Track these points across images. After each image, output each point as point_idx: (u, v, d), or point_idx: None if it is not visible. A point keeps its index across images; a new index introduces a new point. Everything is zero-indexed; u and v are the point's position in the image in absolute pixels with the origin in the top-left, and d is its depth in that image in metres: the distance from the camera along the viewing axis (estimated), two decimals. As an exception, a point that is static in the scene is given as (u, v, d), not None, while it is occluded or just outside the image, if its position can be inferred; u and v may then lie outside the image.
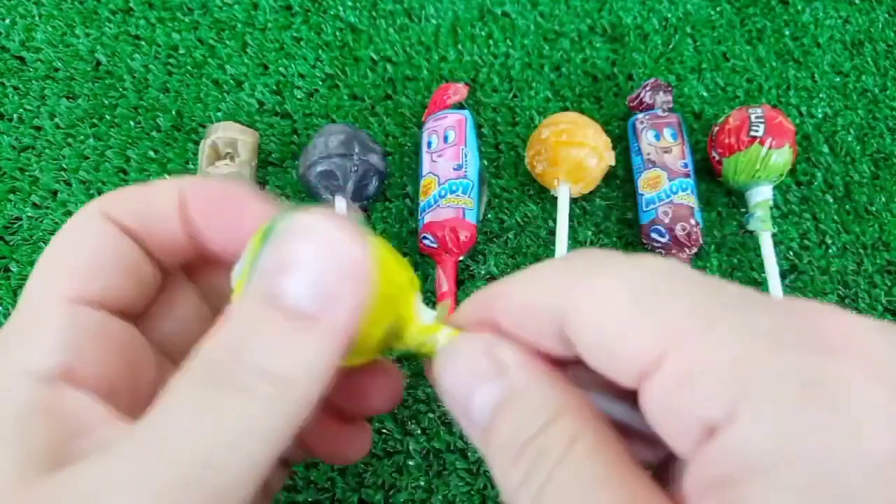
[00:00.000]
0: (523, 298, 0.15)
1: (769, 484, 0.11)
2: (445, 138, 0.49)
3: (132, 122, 0.52)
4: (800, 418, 0.11)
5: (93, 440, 0.14)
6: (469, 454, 0.41)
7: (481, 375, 0.15)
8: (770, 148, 0.47)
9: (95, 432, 0.15)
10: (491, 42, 0.57)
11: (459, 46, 0.57)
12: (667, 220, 0.46)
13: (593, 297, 0.14)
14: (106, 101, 0.53)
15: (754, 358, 0.12)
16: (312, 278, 0.14)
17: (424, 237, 0.47)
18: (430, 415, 0.42)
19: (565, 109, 0.54)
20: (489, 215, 0.50)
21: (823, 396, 0.11)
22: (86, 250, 0.17)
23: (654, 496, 0.13)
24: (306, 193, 0.50)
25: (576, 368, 0.16)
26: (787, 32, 0.60)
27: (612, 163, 0.48)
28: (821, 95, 0.57)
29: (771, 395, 0.12)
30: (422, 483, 0.40)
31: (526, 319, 0.15)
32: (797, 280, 0.48)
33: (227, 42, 0.56)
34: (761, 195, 0.48)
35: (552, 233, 0.49)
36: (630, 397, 0.15)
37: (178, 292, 0.20)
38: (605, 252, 0.15)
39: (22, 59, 0.54)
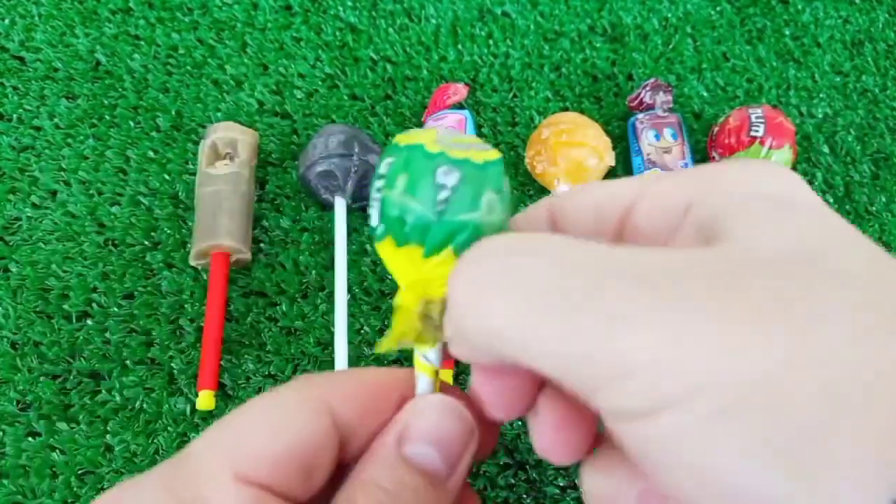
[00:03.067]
0: (598, 195, 0.17)
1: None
2: (445, 138, 0.49)
3: (132, 122, 0.52)
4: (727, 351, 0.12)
5: None
6: (469, 454, 0.41)
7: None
8: (770, 148, 0.47)
9: None
10: (491, 42, 0.57)
11: (459, 46, 0.57)
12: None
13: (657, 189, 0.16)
14: (106, 101, 0.53)
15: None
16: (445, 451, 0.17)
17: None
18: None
19: (565, 109, 0.54)
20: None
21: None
22: (290, 444, 0.16)
23: None
24: (306, 193, 0.50)
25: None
26: (787, 32, 0.59)
27: (612, 163, 0.48)
28: (821, 95, 0.57)
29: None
30: (422, 483, 0.40)
31: (591, 213, 0.17)
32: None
33: (227, 42, 0.56)
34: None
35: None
36: None
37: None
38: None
39: (22, 59, 0.54)
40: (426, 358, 0.18)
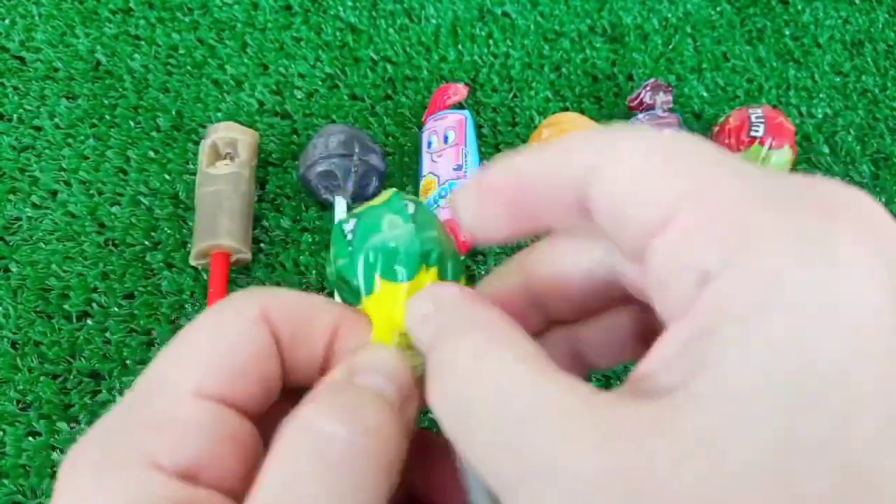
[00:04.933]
0: (547, 173, 0.16)
1: (735, 335, 0.11)
2: (445, 138, 0.49)
3: (132, 123, 0.52)
4: (787, 272, 0.11)
5: None
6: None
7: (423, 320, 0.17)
8: (770, 148, 0.47)
9: None
10: (491, 42, 0.57)
11: (459, 46, 0.57)
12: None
13: (614, 160, 0.14)
14: (106, 101, 0.53)
15: (756, 216, 0.12)
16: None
17: (424, 237, 0.47)
18: (430, 415, 0.42)
19: (565, 109, 0.54)
20: (489, 215, 0.50)
21: (811, 253, 0.11)
22: (236, 351, 0.16)
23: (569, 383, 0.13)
24: (306, 193, 0.50)
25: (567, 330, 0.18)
26: (787, 32, 0.60)
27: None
28: (821, 95, 0.57)
29: (763, 249, 0.12)
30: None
31: (549, 196, 0.16)
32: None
33: (227, 42, 0.56)
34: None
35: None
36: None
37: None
38: (632, 126, 0.15)
39: (22, 59, 0.54)
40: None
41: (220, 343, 0.16)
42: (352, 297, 0.18)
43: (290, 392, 0.18)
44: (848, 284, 0.11)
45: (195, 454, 0.15)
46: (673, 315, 0.13)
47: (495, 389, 0.13)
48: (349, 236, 0.18)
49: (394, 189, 0.19)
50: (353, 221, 0.18)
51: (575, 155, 0.15)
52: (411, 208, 0.18)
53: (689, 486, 0.10)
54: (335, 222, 0.20)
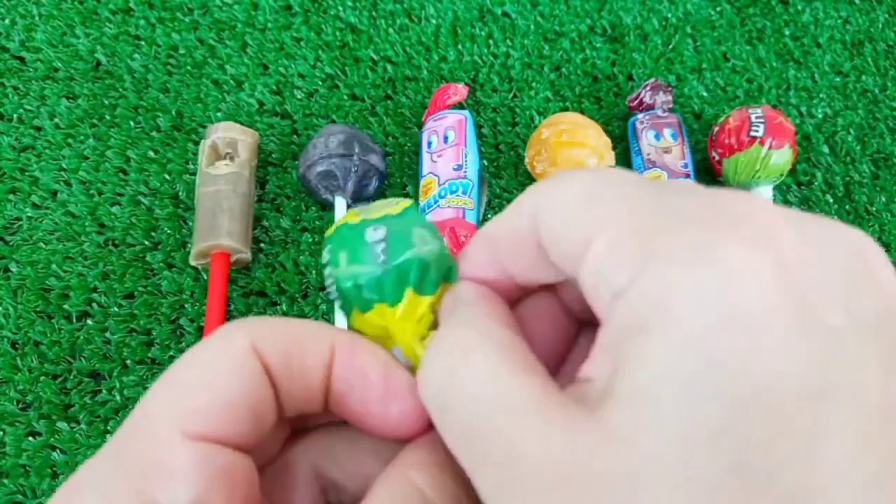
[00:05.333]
0: (508, 229, 0.17)
1: (640, 342, 0.12)
2: (445, 138, 0.49)
3: (132, 122, 0.52)
4: (679, 280, 0.12)
5: None
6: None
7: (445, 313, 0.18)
8: (770, 148, 0.47)
9: None
10: (491, 42, 0.57)
11: (459, 46, 0.57)
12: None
13: (551, 201, 0.16)
14: (106, 101, 0.53)
15: (657, 234, 0.13)
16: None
17: (424, 237, 0.47)
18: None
19: (565, 109, 0.54)
20: (489, 215, 0.50)
21: (704, 258, 0.12)
22: (224, 388, 0.16)
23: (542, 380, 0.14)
24: (306, 193, 0.50)
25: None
26: (787, 32, 0.60)
27: (613, 163, 0.48)
28: (821, 95, 0.57)
29: (660, 263, 0.13)
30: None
31: (517, 248, 0.17)
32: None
33: (227, 42, 0.56)
34: (761, 195, 0.48)
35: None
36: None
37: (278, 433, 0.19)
38: (569, 170, 0.16)
39: (22, 59, 0.54)
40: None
41: (208, 380, 0.16)
42: (360, 304, 0.18)
43: (284, 420, 0.18)
44: (736, 285, 0.12)
45: (201, 495, 0.15)
46: (602, 322, 0.14)
47: (472, 382, 0.15)
48: (378, 247, 0.18)
49: (409, 201, 0.19)
50: (381, 230, 0.18)
51: (524, 208, 0.17)
52: (431, 222, 0.19)
53: (600, 473, 0.12)
54: (343, 225, 0.19)
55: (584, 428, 0.13)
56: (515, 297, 0.19)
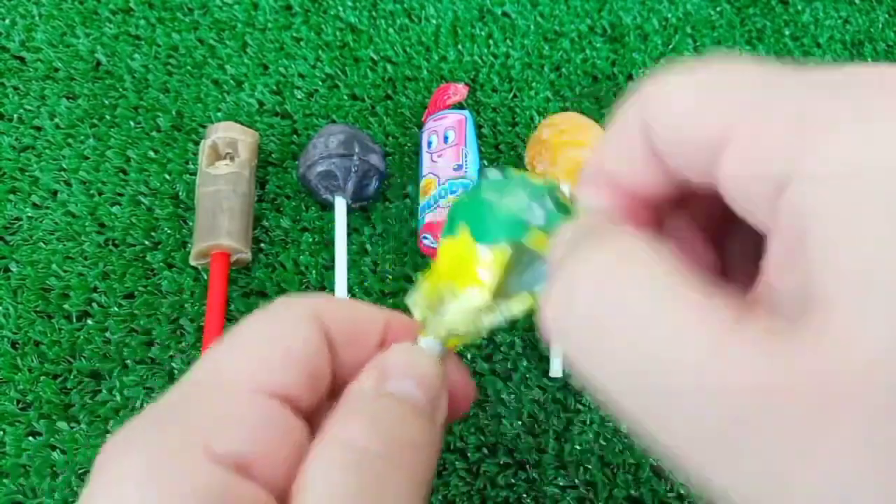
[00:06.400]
0: (618, 133, 0.16)
1: (840, 233, 0.11)
2: (445, 138, 0.49)
3: (132, 122, 0.52)
4: (857, 147, 0.11)
5: None
6: (469, 454, 0.41)
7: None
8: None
9: None
10: (491, 42, 0.57)
11: (459, 46, 0.57)
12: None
13: (663, 101, 0.14)
14: (106, 101, 0.53)
15: (814, 108, 0.12)
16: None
17: (424, 237, 0.47)
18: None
19: (565, 109, 0.54)
20: (489, 215, 0.50)
21: (877, 132, 0.11)
22: (291, 349, 0.17)
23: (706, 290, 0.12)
24: (306, 193, 0.50)
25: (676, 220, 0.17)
26: (787, 32, 0.60)
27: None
28: (821, 95, 0.57)
29: (828, 132, 0.11)
30: (422, 483, 0.40)
31: (626, 152, 0.16)
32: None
33: (227, 42, 0.56)
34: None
35: (552, 233, 0.49)
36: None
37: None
38: (674, 67, 0.15)
39: (22, 59, 0.54)
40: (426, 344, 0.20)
41: (276, 340, 0.17)
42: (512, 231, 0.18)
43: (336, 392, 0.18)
44: None
45: (250, 447, 0.15)
46: (766, 227, 0.12)
47: (630, 314, 0.12)
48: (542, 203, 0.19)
49: (551, 181, 0.20)
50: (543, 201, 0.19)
51: (630, 118, 0.15)
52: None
53: (826, 388, 0.10)
54: (508, 175, 0.20)
55: (793, 345, 0.11)
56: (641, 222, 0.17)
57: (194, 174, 0.50)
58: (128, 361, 0.43)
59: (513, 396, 0.43)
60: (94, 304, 0.45)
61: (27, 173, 0.50)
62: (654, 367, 0.12)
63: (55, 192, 0.49)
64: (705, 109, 0.13)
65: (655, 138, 0.14)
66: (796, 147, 0.11)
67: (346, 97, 0.54)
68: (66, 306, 0.45)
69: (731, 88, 0.13)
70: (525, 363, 0.44)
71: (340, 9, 0.58)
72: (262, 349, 0.17)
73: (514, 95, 0.55)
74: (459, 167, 0.48)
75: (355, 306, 0.19)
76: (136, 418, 0.16)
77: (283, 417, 0.16)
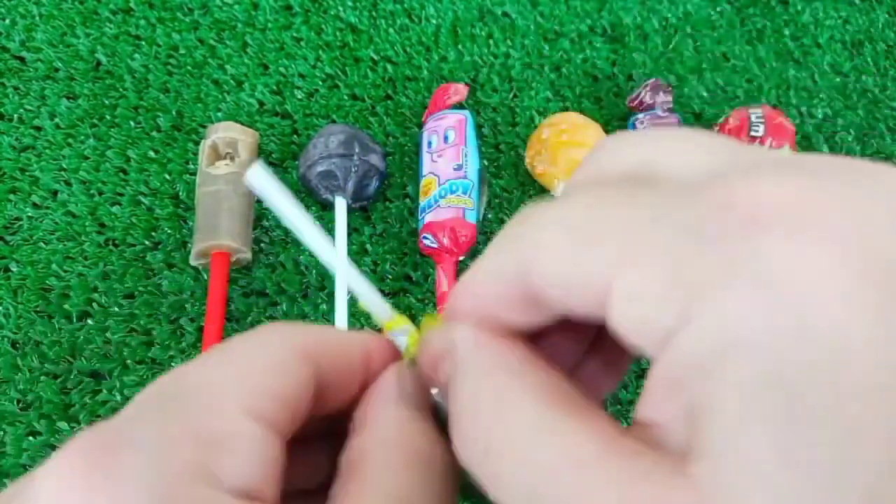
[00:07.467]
0: (490, 279, 0.16)
1: (716, 382, 0.11)
2: (445, 138, 0.49)
3: (132, 122, 0.52)
4: (739, 308, 0.11)
5: None
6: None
7: (438, 360, 0.17)
8: (770, 148, 0.47)
9: None
10: (491, 42, 0.57)
11: (459, 46, 0.57)
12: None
13: (541, 247, 0.14)
14: (106, 101, 0.53)
15: (687, 253, 0.12)
16: None
17: (424, 237, 0.47)
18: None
19: (565, 109, 0.54)
20: (489, 215, 0.50)
21: (761, 279, 0.11)
22: (284, 377, 0.16)
23: (601, 425, 0.13)
24: (306, 193, 0.50)
25: (553, 339, 0.17)
26: (787, 32, 0.60)
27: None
28: (821, 96, 0.57)
29: (707, 289, 0.11)
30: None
31: (501, 295, 0.16)
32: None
33: (228, 42, 0.56)
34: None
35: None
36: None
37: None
38: (537, 204, 0.15)
39: (22, 59, 0.54)
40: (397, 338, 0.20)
41: (269, 366, 0.16)
42: None
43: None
44: (799, 299, 0.11)
45: (258, 476, 0.15)
46: (653, 355, 0.13)
47: (521, 438, 0.13)
48: None
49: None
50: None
51: (505, 256, 0.15)
52: None
53: None
54: None
55: (674, 488, 0.11)
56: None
57: (194, 174, 0.50)
58: (128, 361, 0.43)
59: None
60: (95, 304, 0.45)
61: (27, 173, 0.50)
62: (541, 492, 0.13)
63: (55, 192, 0.49)
64: (581, 264, 0.13)
65: (534, 286, 0.14)
66: (679, 302, 0.12)
67: (346, 97, 0.54)
68: (66, 306, 0.45)
69: (602, 237, 0.13)
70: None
71: (340, 9, 0.58)
72: (258, 375, 0.16)
73: (514, 95, 0.55)
74: (459, 167, 0.48)
75: (341, 340, 0.18)
76: (126, 430, 0.15)
77: (275, 446, 0.16)
